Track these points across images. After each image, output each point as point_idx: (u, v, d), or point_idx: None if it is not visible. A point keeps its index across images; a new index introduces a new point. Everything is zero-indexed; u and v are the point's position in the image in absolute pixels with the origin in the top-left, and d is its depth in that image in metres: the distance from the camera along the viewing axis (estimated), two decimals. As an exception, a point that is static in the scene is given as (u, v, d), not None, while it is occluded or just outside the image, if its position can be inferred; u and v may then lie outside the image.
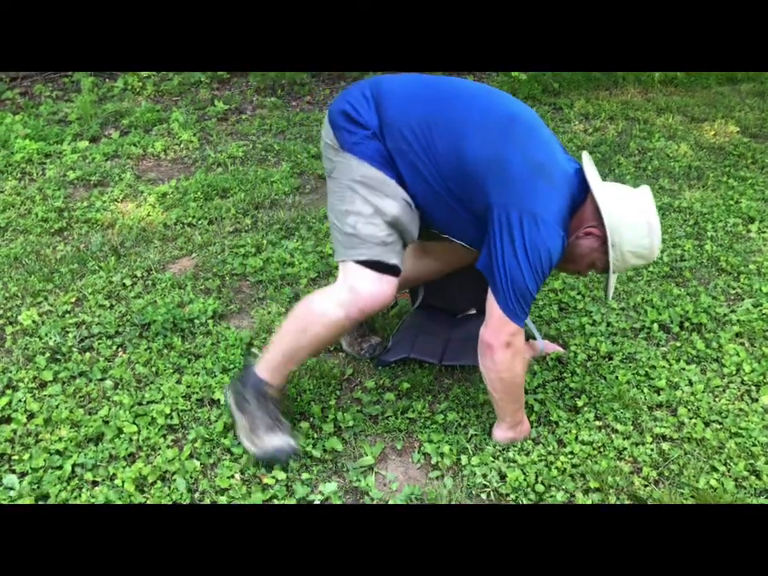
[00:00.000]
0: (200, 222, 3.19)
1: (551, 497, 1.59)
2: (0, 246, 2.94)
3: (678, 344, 2.18)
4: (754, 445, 1.74)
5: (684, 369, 2.05)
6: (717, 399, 1.93)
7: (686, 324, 2.28)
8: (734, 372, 2.04)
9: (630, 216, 1.56)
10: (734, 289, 2.53)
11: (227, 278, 2.69)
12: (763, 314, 2.31)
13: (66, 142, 4.13)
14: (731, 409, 1.88)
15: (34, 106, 4.80)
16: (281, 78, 5.53)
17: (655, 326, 2.26)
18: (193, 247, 2.95)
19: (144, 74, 5.27)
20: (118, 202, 3.41)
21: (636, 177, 3.75)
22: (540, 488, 1.61)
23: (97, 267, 2.76)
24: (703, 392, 1.94)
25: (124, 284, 2.63)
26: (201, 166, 3.91)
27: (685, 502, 1.57)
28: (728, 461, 1.69)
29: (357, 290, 1.61)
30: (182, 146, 4.23)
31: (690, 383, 1.98)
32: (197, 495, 1.64)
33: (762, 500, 1.59)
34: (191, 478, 1.68)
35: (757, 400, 1.92)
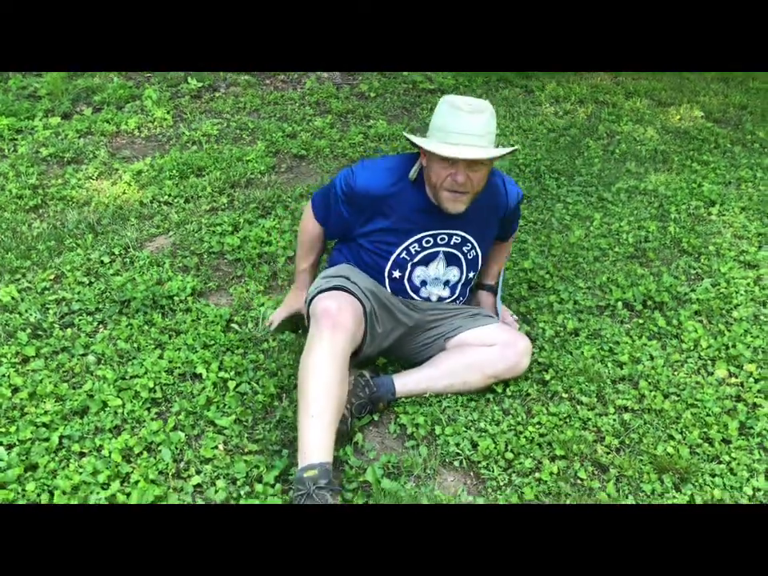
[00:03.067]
0: (176, 201, 3.21)
1: (520, 464, 1.69)
2: (-26, 223, 2.94)
3: (641, 321, 2.29)
4: (708, 415, 1.86)
5: (646, 344, 2.16)
6: (675, 373, 2.04)
7: (649, 302, 2.39)
8: (692, 348, 2.16)
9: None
10: (694, 269, 2.65)
11: (205, 256, 2.73)
12: (720, 293, 2.43)
13: (37, 117, 4.09)
14: (688, 382, 1.99)
15: (2, 80, 4.72)
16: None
17: (619, 304, 2.37)
18: (169, 225, 2.98)
19: (115, 49, 5.19)
20: (93, 179, 3.42)
21: (604, 160, 3.85)
22: (509, 455, 1.71)
23: (74, 245, 2.77)
24: (663, 366, 2.06)
25: (102, 261, 2.66)
26: (175, 144, 3.91)
27: (643, 468, 1.68)
28: (684, 430, 1.81)
29: None
30: (155, 123, 4.22)
31: (651, 358, 2.09)
32: (182, 465, 1.71)
33: (713, 465, 1.71)
34: (176, 448, 1.74)
35: (712, 373, 2.04)
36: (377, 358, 2.06)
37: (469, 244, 2.00)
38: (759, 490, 1.64)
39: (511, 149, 1.86)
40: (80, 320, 2.28)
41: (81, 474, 1.63)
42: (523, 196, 2.15)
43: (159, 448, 1.73)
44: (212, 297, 2.48)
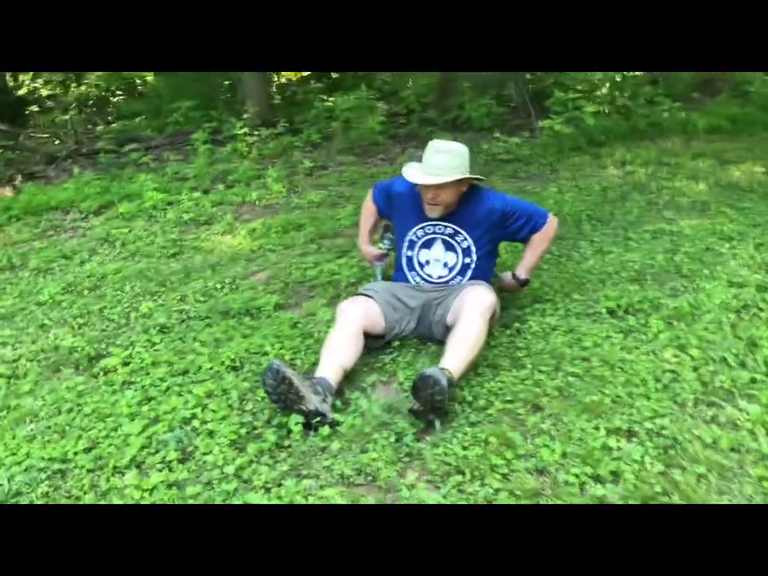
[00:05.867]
0: (277, 248, 4.12)
1: (477, 404, 2.29)
2: (130, 265, 3.99)
3: (615, 321, 2.81)
4: (637, 377, 2.36)
5: (611, 336, 2.68)
6: (627, 354, 2.55)
7: (630, 309, 2.90)
8: (651, 339, 2.64)
9: None
10: (684, 287, 3.12)
11: (290, 284, 3.57)
12: (694, 305, 2.88)
13: (183, 192, 5.26)
14: (634, 359, 2.50)
15: (161, 168, 6.03)
16: (360, 140, 6.52)
17: (604, 310, 2.90)
18: (268, 264, 3.87)
19: (250, 139, 6.40)
20: (219, 235, 4.43)
21: (645, 210, 4.34)
22: (470, 398, 2.31)
23: (197, 277, 3.72)
24: (619, 350, 2.57)
25: (216, 287, 3.57)
26: (285, 209, 4.90)
27: (570, 409, 2.22)
28: (612, 387, 2.32)
29: None
30: (273, 195, 5.25)
31: (612, 344, 2.61)
32: (245, 403, 2.45)
33: (626, 409, 2.20)
34: (242, 393, 2.50)
35: (657, 353, 2.52)
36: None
37: (461, 235, 2.78)
38: (660, 428, 2.11)
39: (461, 176, 2.65)
40: (193, 323, 3.16)
41: (178, 402, 2.43)
42: (509, 202, 2.83)
43: (231, 392, 2.50)
44: (290, 309, 3.29)
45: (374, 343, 2.71)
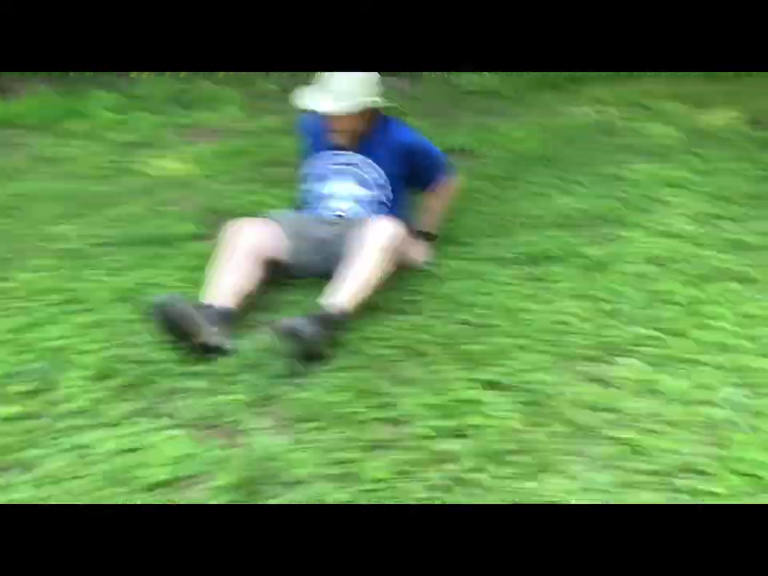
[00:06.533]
0: (216, 174, 3.99)
1: (361, 350, 2.21)
2: (60, 185, 3.86)
3: (526, 267, 2.68)
4: (528, 328, 2.27)
5: (514, 283, 2.57)
6: (526, 303, 2.44)
7: (545, 256, 2.76)
8: (556, 289, 2.53)
9: None
10: (612, 235, 2.97)
11: (216, 213, 3.45)
12: (614, 254, 2.76)
13: (135, 112, 5.08)
14: (532, 308, 2.40)
15: (120, 85, 5.75)
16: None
17: (517, 256, 2.77)
18: (201, 191, 3.74)
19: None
20: (160, 159, 4.28)
21: (602, 152, 4.12)
22: (358, 347, 2.23)
23: (125, 201, 3.61)
24: (520, 298, 2.47)
25: (139, 213, 3.45)
26: (237, 133, 4.73)
27: (453, 360, 2.14)
28: (499, 337, 2.23)
29: None
30: (229, 118, 5.05)
31: (513, 292, 2.51)
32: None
33: (507, 365, 2.11)
34: (125, 324, 2.42)
35: (556, 303, 2.42)
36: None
37: (368, 168, 2.62)
38: (534, 382, 2.03)
39: (370, 104, 2.47)
40: (105, 248, 3.05)
41: (55, 331, 2.36)
42: (420, 140, 2.73)
43: (115, 323, 2.43)
44: (207, 240, 3.15)
45: (274, 274, 2.59)
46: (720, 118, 4.87)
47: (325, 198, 2.70)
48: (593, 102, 5.30)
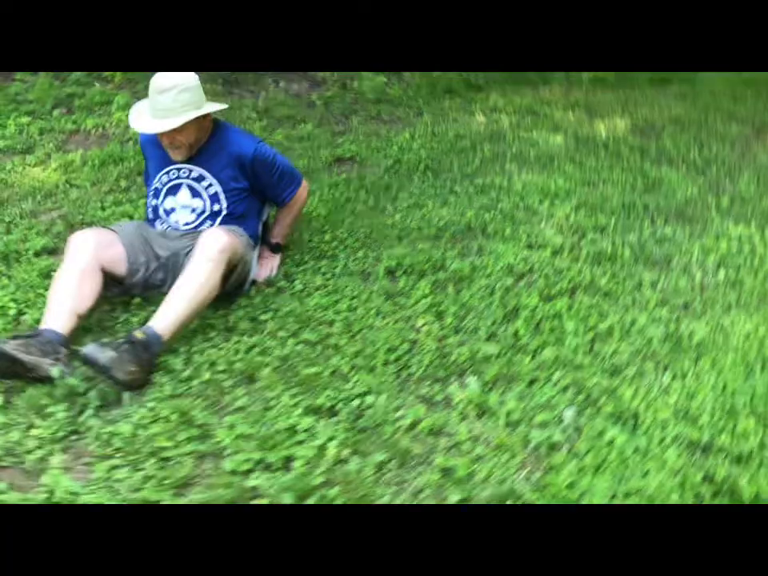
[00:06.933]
0: (84, 183, 3.77)
1: (188, 376, 2.07)
2: None
3: (386, 282, 2.60)
4: (372, 347, 2.18)
5: (371, 299, 2.48)
6: (378, 320, 2.35)
7: (408, 270, 2.69)
8: (412, 304, 2.45)
9: None
10: (480, 247, 2.92)
11: (75, 225, 3.24)
12: (476, 267, 2.70)
13: (13, 117, 4.78)
14: (382, 326, 2.31)
15: (4, 87, 5.43)
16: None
17: (381, 270, 2.68)
18: (66, 202, 3.52)
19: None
20: (30, 166, 4.02)
21: (485, 161, 4.10)
22: (184, 373, 2.08)
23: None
24: (372, 315, 2.37)
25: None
26: (117, 140, 4.50)
27: (286, 385, 2.02)
28: (338, 358, 2.13)
29: None
30: (113, 124, 4.81)
31: (367, 308, 2.41)
32: None
33: (340, 389, 2.02)
34: None
35: (409, 320, 2.34)
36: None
37: (206, 180, 2.50)
38: (366, 406, 1.94)
39: (196, 113, 2.37)
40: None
41: None
42: (263, 151, 2.57)
43: None
44: (59, 255, 2.96)
45: (113, 288, 2.43)
46: (608, 126, 4.94)
47: (166, 212, 2.56)
48: (488, 110, 5.31)
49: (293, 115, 4.98)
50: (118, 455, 1.75)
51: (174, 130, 2.36)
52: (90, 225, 3.20)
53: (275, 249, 2.69)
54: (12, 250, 2.91)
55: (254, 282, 2.56)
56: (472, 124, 4.93)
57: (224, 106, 2.53)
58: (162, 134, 2.39)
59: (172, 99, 2.32)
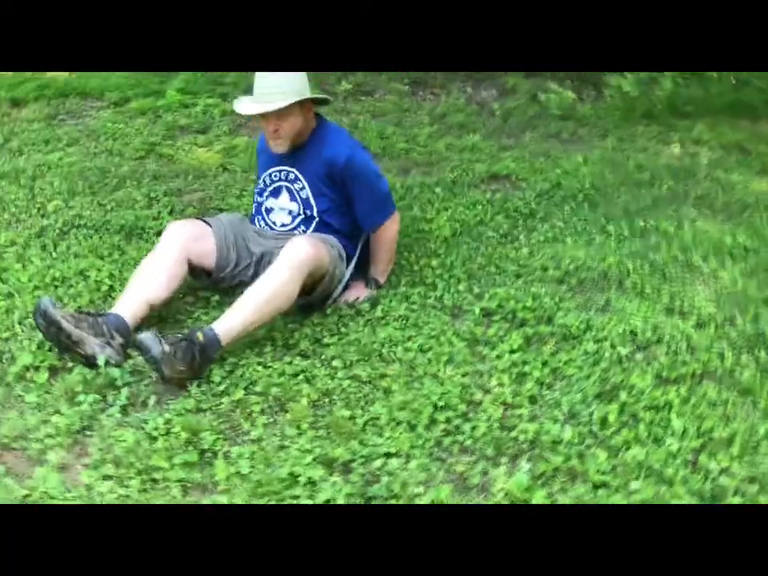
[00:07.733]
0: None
1: (221, 391, 1.95)
2: (83, 161, 3.86)
3: (473, 325, 2.28)
4: (417, 401, 1.89)
5: (451, 341, 2.18)
6: (444, 368, 2.06)
7: (509, 315, 2.35)
8: (494, 357, 2.12)
9: None
10: (607, 303, 2.49)
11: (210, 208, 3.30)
12: (590, 326, 2.29)
13: (202, 96, 5.06)
14: (446, 377, 2.01)
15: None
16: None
17: (477, 309, 2.37)
18: (213, 185, 3.61)
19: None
20: (200, 147, 4.20)
21: (660, 200, 3.56)
22: (219, 388, 1.98)
23: (130, 186, 3.54)
24: (443, 361, 2.08)
25: (135, 199, 3.37)
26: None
27: (312, 427, 1.82)
28: (380, 405, 1.88)
29: None
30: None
31: (438, 352, 2.12)
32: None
33: (362, 444, 1.76)
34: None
35: (481, 376, 2.03)
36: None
37: (299, 182, 2.41)
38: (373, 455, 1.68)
39: (299, 98, 2.26)
40: (75, 231, 2.98)
41: None
42: (357, 160, 2.40)
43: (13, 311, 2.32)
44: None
45: (200, 280, 2.44)
46: None
47: (267, 211, 2.51)
48: (688, 141, 4.66)
49: (465, 123, 4.73)
50: (110, 464, 1.65)
51: (278, 118, 2.27)
52: (221, 211, 3.25)
53: (370, 283, 2.51)
54: (139, 227, 3.01)
55: (335, 300, 2.39)
56: (662, 155, 4.34)
57: (328, 98, 2.48)
58: (265, 121, 2.31)
59: (280, 81, 2.26)
